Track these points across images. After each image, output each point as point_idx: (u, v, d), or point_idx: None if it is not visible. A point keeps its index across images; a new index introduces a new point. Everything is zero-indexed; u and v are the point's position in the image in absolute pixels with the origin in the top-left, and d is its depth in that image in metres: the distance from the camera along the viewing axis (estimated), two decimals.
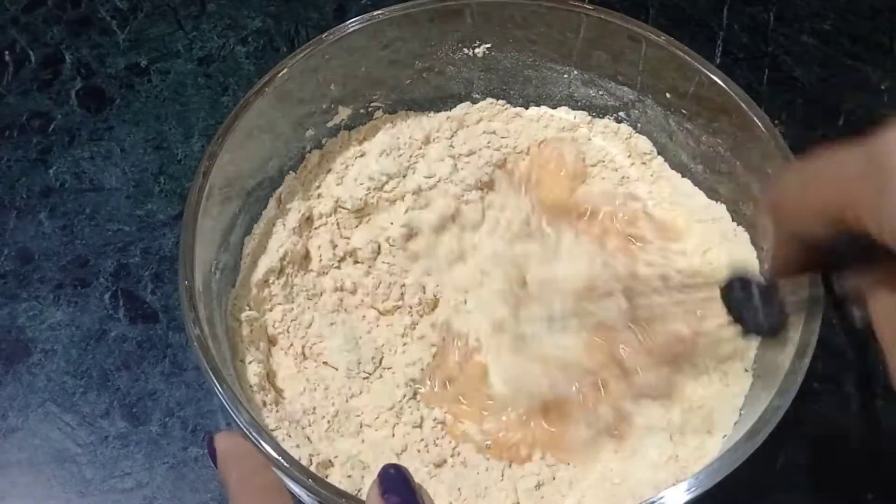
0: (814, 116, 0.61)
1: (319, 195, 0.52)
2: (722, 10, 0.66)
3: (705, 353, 0.47)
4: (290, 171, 0.52)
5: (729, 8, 0.66)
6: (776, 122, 0.59)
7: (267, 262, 0.49)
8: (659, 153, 0.54)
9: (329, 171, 0.53)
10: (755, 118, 0.46)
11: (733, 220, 0.50)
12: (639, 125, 0.54)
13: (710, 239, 0.51)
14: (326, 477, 0.43)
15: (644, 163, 0.54)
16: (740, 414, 0.43)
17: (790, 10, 0.66)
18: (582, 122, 0.55)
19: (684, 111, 0.51)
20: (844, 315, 0.34)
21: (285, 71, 0.47)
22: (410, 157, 0.53)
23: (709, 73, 0.47)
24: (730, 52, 0.64)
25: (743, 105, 0.46)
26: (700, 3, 0.67)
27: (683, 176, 0.53)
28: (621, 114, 0.54)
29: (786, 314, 0.38)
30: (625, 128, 0.54)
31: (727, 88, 0.47)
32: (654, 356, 0.46)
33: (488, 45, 0.53)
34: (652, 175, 0.54)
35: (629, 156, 0.54)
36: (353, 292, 0.50)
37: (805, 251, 0.33)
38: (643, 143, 0.54)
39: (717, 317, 0.45)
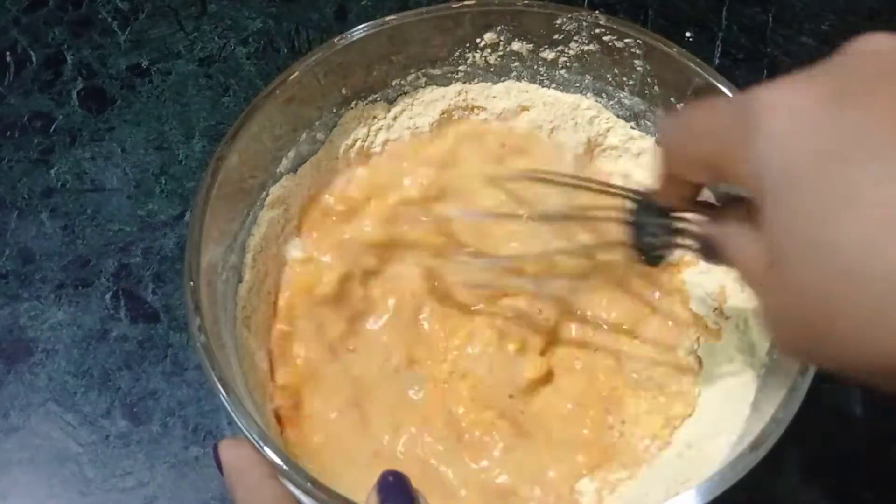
0: None
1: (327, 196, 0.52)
2: (721, 11, 0.66)
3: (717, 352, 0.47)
4: (296, 172, 0.51)
5: (728, 9, 0.66)
6: None
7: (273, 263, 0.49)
8: None
9: (335, 171, 0.53)
10: None
11: None
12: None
13: None
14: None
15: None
16: (744, 425, 0.43)
17: (789, 10, 0.67)
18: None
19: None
20: (706, 255, 0.35)
21: (296, 74, 0.47)
22: None
23: (706, 76, 0.47)
24: (728, 53, 0.64)
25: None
26: (699, 4, 0.67)
27: None
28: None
29: (665, 247, 0.39)
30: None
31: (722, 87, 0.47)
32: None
33: (489, 49, 0.53)
34: None
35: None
36: None
37: (682, 189, 0.35)
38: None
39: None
